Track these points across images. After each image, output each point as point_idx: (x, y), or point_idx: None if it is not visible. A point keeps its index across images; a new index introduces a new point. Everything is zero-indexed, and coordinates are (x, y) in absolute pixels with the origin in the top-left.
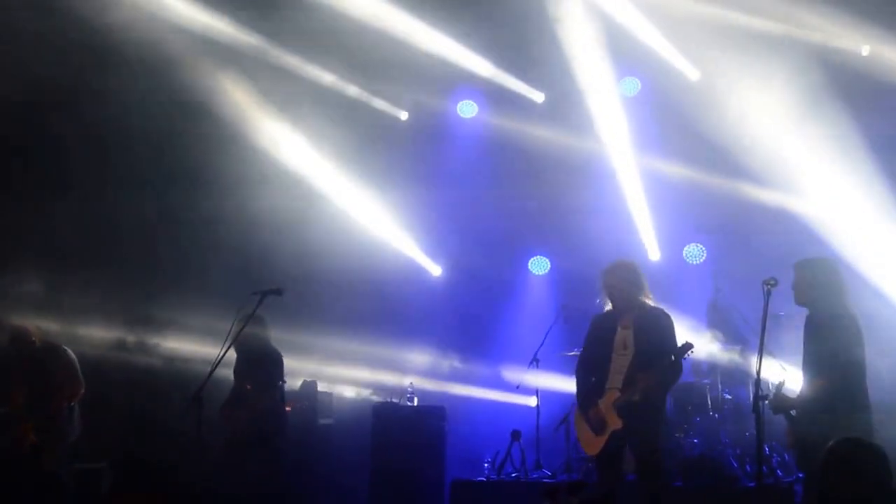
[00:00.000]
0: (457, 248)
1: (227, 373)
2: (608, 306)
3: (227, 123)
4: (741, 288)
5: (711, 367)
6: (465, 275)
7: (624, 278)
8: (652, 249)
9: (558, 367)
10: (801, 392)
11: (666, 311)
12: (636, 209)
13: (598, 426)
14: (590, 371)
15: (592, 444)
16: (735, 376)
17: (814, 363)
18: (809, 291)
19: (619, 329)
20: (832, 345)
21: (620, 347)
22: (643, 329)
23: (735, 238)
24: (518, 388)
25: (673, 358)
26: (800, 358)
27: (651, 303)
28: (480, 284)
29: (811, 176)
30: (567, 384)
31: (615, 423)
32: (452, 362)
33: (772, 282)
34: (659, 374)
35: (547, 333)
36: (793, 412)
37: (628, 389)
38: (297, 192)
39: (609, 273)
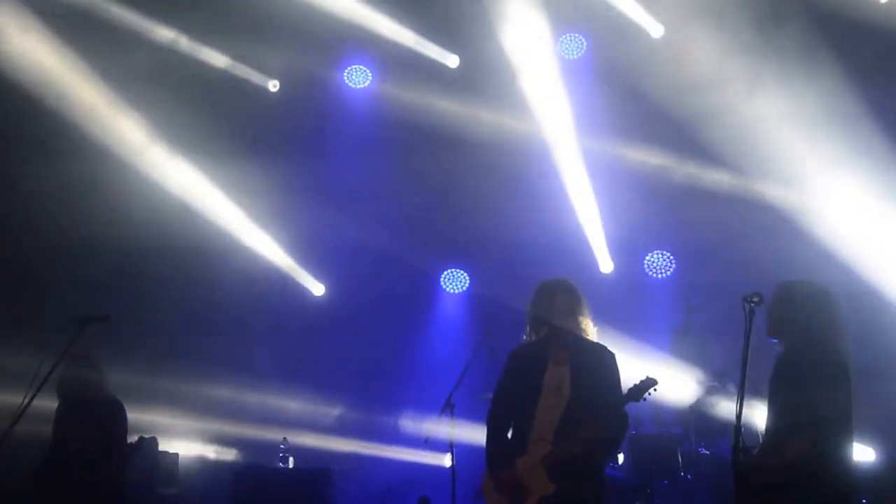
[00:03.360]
0: (345, 260)
1: (37, 429)
2: (534, 336)
3: (36, 101)
4: (719, 307)
5: (680, 414)
6: (356, 294)
7: (562, 303)
8: (603, 259)
9: (480, 415)
10: (762, 452)
11: (608, 348)
12: (582, 207)
13: (515, 494)
14: (507, 418)
15: None
16: (713, 425)
17: (784, 416)
18: (789, 323)
19: (549, 366)
20: (813, 396)
21: (552, 389)
22: (583, 367)
23: (712, 245)
24: (427, 443)
25: (620, 407)
26: None
27: (591, 336)
28: (377, 307)
29: (810, 165)
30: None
31: (543, 487)
32: (339, 410)
33: (755, 298)
34: (605, 425)
35: (465, 371)
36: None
37: (565, 442)
38: (128, 188)
39: (540, 295)
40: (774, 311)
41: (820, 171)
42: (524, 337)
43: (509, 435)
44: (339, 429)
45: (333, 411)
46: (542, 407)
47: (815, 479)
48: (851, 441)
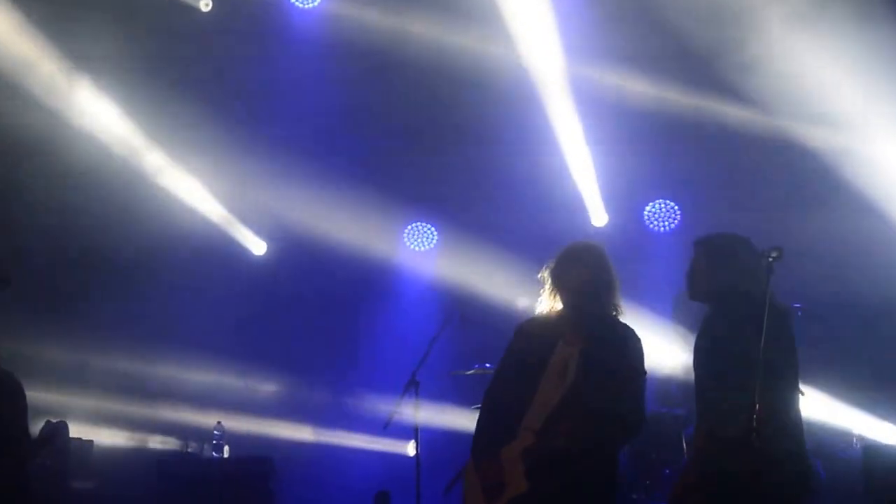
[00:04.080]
0: (291, 213)
1: None
2: (547, 309)
3: None
4: None
5: (687, 391)
6: (303, 254)
7: (591, 276)
8: (596, 211)
9: (450, 395)
10: (706, 419)
11: (635, 332)
12: (571, 150)
13: (491, 488)
14: (503, 399)
15: None
16: None
17: (731, 373)
18: (725, 274)
19: (560, 344)
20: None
21: (556, 372)
22: (597, 352)
23: (725, 192)
24: (387, 429)
25: (628, 404)
26: (819, 376)
27: (619, 316)
28: (328, 268)
29: (852, 104)
30: (464, 420)
31: (517, 485)
32: (284, 390)
33: (773, 254)
34: (600, 424)
35: (432, 343)
36: None
37: (550, 435)
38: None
39: (566, 262)
40: (699, 271)
41: (861, 111)
42: (537, 306)
43: (501, 421)
44: (284, 412)
45: (277, 391)
46: (542, 391)
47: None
48: (797, 394)
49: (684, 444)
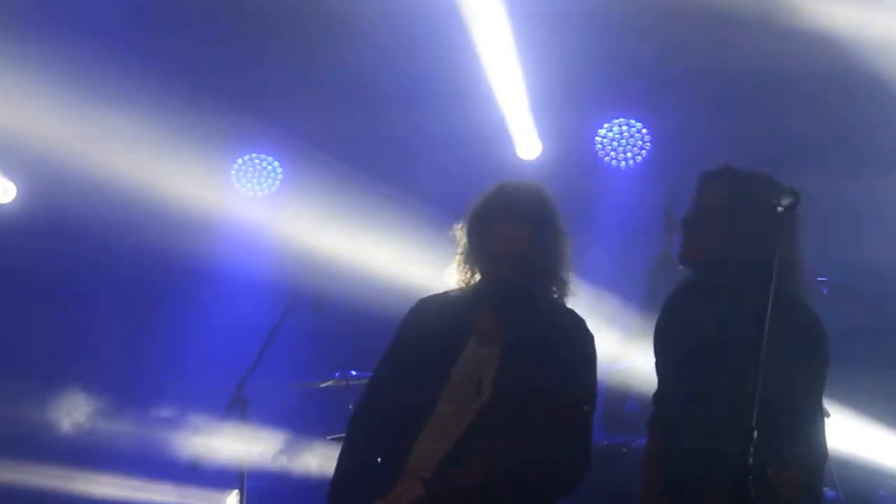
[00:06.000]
0: (56, 142)
1: None
2: (459, 284)
3: None
4: None
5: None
6: (74, 202)
7: (528, 235)
8: (524, 136)
9: (294, 420)
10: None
11: (583, 321)
12: (485, 41)
13: None
14: (379, 431)
15: None
16: None
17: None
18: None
19: (471, 342)
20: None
21: (464, 383)
22: (526, 351)
23: (716, 104)
24: (195, 473)
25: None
26: (846, 382)
27: (562, 297)
28: (109, 220)
29: None
30: (316, 459)
31: None
32: (26, 407)
33: (786, 200)
34: (537, 458)
35: (267, 342)
36: None
37: (451, 481)
38: None
39: (491, 212)
40: (714, 217)
41: None
42: (445, 280)
43: (377, 457)
44: (26, 443)
45: (22, 411)
46: (440, 413)
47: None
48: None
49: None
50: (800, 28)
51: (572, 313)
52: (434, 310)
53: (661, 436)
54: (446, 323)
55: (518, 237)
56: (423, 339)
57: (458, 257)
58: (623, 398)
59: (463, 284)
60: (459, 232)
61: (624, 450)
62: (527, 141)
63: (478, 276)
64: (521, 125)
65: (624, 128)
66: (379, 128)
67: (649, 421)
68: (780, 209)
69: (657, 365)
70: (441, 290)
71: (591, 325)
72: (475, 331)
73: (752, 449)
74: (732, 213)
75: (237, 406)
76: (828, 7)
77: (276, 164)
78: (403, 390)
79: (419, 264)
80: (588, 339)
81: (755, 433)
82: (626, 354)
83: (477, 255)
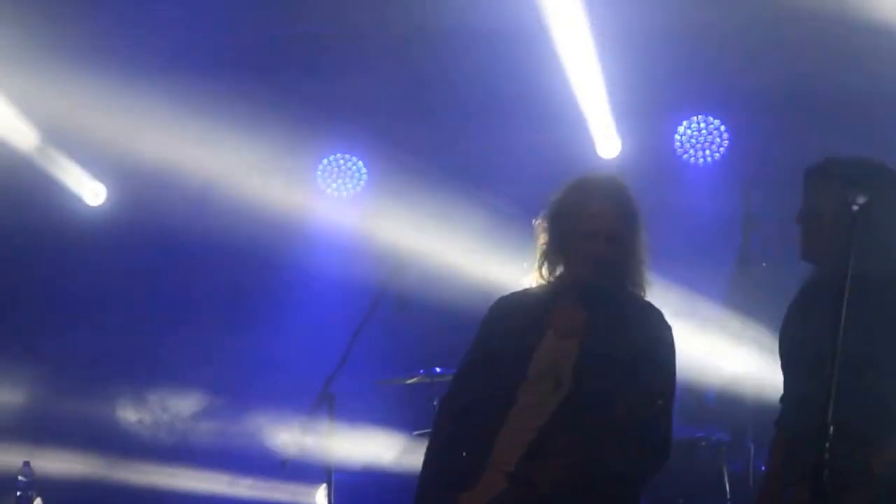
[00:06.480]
0: (142, 145)
1: None
2: (539, 280)
3: None
4: None
5: (734, 406)
6: (161, 205)
7: (611, 229)
8: (604, 134)
9: (380, 416)
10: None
11: (664, 316)
12: (567, 45)
13: None
14: (464, 425)
15: None
16: None
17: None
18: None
19: (548, 336)
20: None
21: (542, 377)
22: (607, 345)
23: (799, 102)
24: (285, 468)
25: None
26: None
27: (641, 292)
28: (200, 226)
29: None
30: (401, 455)
31: None
32: (127, 410)
33: (861, 202)
34: (609, 455)
35: (352, 341)
36: None
37: (532, 475)
38: None
39: (563, 206)
40: (826, 215)
41: None
42: (526, 280)
43: (463, 450)
44: (125, 443)
45: (118, 411)
46: (520, 407)
47: None
48: None
49: (727, 484)
50: (886, 37)
51: (651, 306)
52: (514, 305)
53: (787, 435)
54: (527, 317)
55: (607, 213)
56: (503, 333)
57: (539, 250)
58: (703, 393)
59: (543, 281)
60: (540, 225)
61: (703, 443)
62: (607, 140)
63: (559, 271)
64: (601, 125)
65: (702, 125)
66: (463, 133)
67: (776, 420)
68: (855, 208)
69: (783, 367)
70: (520, 290)
71: (670, 320)
72: (553, 324)
73: (827, 445)
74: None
75: (324, 402)
76: None
77: (361, 164)
78: (486, 384)
79: (500, 264)
80: (667, 332)
81: (831, 429)
82: (706, 351)
83: (562, 241)
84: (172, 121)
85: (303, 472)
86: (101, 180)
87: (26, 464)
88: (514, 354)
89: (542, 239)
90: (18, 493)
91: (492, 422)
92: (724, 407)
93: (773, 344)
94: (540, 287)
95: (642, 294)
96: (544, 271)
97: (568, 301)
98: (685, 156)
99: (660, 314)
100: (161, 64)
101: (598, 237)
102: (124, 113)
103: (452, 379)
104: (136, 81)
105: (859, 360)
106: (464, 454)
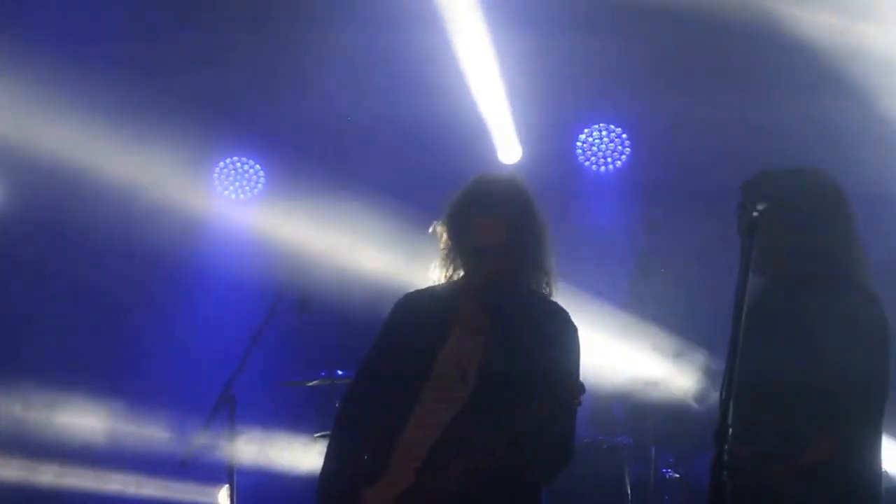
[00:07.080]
0: (38, 143)
1: None
2: (442, 277)
3: None
4: (707, 221)
5: (636, 412)
6: (56, 204)
7: (511, 227)
8: (505, 141)
9: (282, 417)
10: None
11: (568, 314)
12: (465, 44)
13: None
14: (366, 424)
15: None
16: (690, 430)
17: (789, 397)
18: (798, 240)
19: (454, 333)
20: (842, 367)
21: (446, 375)
22: (511, 342)
23: (698, 109)
24: (185, 468)
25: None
26: None
27: (547, 290)
28: (94, 227)
29: None
30: (303, 455)
31: None
32: (18, 412)
33: (760, 205)
34: (527, 449)
35: (253, 341)
36: None
37: (437, 473)
38: None
39: (473, 206)
40: (769, 228)
41: None
42: (431, 277)
43: (366, 448)
44: (9, 442)
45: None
46: (425, 403)
47: (834, 489)
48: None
49: (628, 486)
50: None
51: (556, 305)
52: (418, 303)
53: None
54: (430, 315)
55: (494, 228)
56: (407, 331)
57: (440, 253)
58: (609, 399)
59: (442, 279)
60: (440, 229)
61: (605, 446)
62: (507, 144)
63: (461, 272)
64: (502, 132)
65: (604, 132)
66: (353, 129)
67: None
68: (753, 214)
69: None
70: (424, 288)
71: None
72: (459, 321)
73: (726, 447)
74: (794, 226)
75: (225, 404)
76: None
77: (258, 166)
78: (389, 382)
79: (402, 264)
80: (572, 329)
81: (730, 431)
82: (607, 356)
83: (458, 249)
84: (67, 120)
85: (205, 472)
86: None
87: None
88: (419, 352)
89: (442, 244)
90: None
91: (395, 419)
92: (626, 411)
93: (672, 347)
94: (444, 285)
95: (548, 293)
96: (448, 271)
97: (472, 300)
98: (587, 163)
99: (565, 313)
100: (58, 62)
101: (487, 252)
102: (16, 111)
103: (355, 374)
104: (33, 79)
105: (790, 369)
106: (366, 450)
